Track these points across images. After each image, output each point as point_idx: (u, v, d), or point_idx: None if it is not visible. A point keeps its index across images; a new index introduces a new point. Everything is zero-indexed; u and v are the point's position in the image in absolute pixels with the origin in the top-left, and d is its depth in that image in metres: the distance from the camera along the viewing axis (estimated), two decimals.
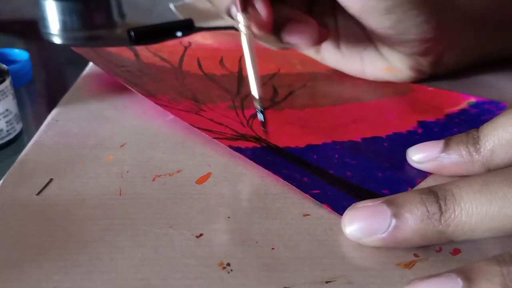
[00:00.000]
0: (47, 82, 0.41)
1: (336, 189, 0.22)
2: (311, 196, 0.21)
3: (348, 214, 0.19)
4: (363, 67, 0.34)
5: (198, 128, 0.26)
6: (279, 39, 0.28)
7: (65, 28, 0.58)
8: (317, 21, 0.31)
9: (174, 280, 0.18)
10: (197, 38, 0.42)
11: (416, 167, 0.23)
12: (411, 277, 0.18)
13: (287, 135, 0.26)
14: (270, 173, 0.23)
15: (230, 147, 0.24)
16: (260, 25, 0.27)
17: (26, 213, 0.21)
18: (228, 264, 0.18)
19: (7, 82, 0.28)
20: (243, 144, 0.25)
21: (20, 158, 0.25)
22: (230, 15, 0.28)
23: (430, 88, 0.33)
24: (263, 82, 0.32)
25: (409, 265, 0.19)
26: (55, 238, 0.20)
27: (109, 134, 0.28)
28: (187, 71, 0.34)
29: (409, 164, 0.24)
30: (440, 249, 0.19)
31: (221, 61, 0.36)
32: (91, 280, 0.18)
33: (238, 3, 0.25)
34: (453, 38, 0.33)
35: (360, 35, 0.32)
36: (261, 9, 0.26)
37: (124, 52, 0.36)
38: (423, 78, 0.34)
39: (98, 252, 0.19)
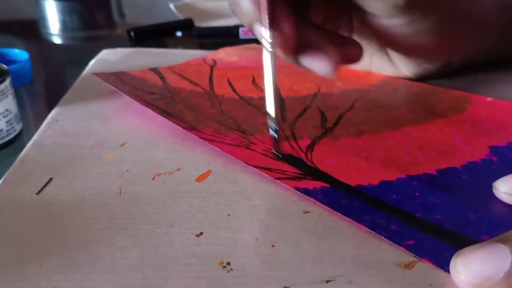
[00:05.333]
0: (47, 82, 0.41)
1: (432, 238, 0.20)
2: (406, 249, 0.19)
3: (460, 260, 0.18)
4: (370, 68, 0.36)
5: (255, 167, 0.24)
6: (296, 60, 0.27)
7: (65, 28, 0.58)
8: (333, 25, 0.31)
9: (174, 280, 0.18)
10: (221, 55, 0.39)
11: (504, 199, 0.22)
12: (411, 277, 0.18)
13: (355, 171, 0.24)
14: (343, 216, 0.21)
15: (297, 189, 0.22)
16: (283, 46, 0.26)
17: (25, 212, 0.21)
18: (228, 263, 0.18)
19: (7, 82, 0.28)
20: (309, 184, 0.23)
21: (19, 157, 0.25)
22: (253, 30, 0.27)
23: (489, 99, 0.31)
24: (305, 103, 0.31)
25: (409, 265, 0.18)
26: (55, 238, 0.20)
27: (109, 134, 0.28)
28: (221, 95, 0.32)
29: (499, 201, 0.22)
30: None
31: (253, 81, 0.35)
32: (91, 279, 0.18)
33: (266, 20, 0.25)
34: (461, 47, 0.34)
35: (373, 40, 0.33)
36: (287, 30, 0.25)
37: (147, 76, 0.34)
38: (427, 79, 0.35)
39: (98, 252, 0.19)
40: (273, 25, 0.25)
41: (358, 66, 0.36)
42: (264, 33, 0.25)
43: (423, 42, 0.31)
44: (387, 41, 0.32)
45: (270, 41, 0.25)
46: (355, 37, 0.32)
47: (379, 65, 0.35)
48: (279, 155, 0.25)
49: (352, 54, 0.29)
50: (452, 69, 0.35)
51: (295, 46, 0.26)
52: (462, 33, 0.33)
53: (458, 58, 0.35)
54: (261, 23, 0.25)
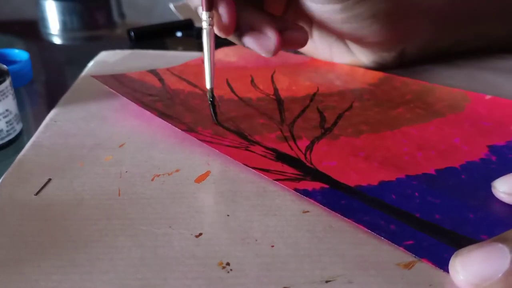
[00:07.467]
0: (47, 82, 0.41)
1: (431, 238, 0.20)
2: (405, 249, 0.19)
3: (459, 260, 0.18)
4: (332, 58, 0.38)
5: (254, 168, 0.24)
6: (240, 41, 0.30)
7: (65, 28, 0.58)
8: (294, 15, 0.34)
9: (174, 280, 0.18)
10: (220, 56, 0.39)
11: (504, 199, 0.22)
12: (411, 277, 0.18)
13: (354, 171, 0.24)
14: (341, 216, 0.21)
15: (296, 190, 0.22)
16: (221, 28, 0.29)
17: (24, 213, 0.21)
18: (228, 264, 0.18)
19: (7, 82, 0.28)
20: (309, 185, 0.23)
21: (18, 158, 0.25)
22: (198, 13, 0.30)
23: (488, 97, 0.31)
24: (304, 103, 0.31)
25: (409, 265, 0.18)
26: (54, 238, 0.20)
27: (107, 134, 0.28)
28: (220, 96, 0.32)
29: (498, 200, 0.22)
30: None
31: (252, 81, 0.34)
32: (90, 280, 0.18)
33: (203, 3, 0.28)
34: (413, 35, 0.35)
35: (327, 30, 0.35)
36: (224, 14, 0.28)
37: (146, 77, 0.34)
38: (387, 69, 0.37)
39: (97, 252, 0.19)
40: (210, 6, 0.28)
41: (319, 56, 0.38)
42: (203, 15, 0.28)
43: (369, 30, 0.32)
44: (334, 29, 0.33)
45: (205, 19, 0.28)
46: (315, 28, 0.35)
47: (338, 53, 0.37)
48: (217, 123, 0.28)
49: (296, 38, 0.31)
50: (410, 59, 0.37)
51: (233, 26, 0.29)
52: (410, 22, 0.34)
53: (411, 47, 0.36)
54: (202, 5, 0.28)
